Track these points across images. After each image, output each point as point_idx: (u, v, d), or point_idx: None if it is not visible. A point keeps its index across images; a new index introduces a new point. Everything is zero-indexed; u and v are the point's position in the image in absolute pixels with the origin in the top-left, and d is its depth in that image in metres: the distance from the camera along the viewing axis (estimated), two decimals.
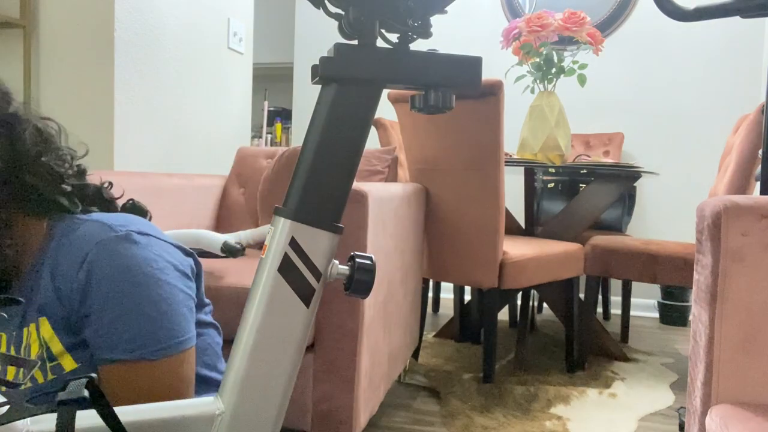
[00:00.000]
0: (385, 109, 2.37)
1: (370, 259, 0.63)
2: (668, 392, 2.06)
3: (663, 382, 2.16)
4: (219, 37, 2.58)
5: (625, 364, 2.35)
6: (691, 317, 1.19)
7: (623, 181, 2.31)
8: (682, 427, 1.55)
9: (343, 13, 0.63)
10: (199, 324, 0.86)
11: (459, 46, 3.55)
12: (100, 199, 0.88)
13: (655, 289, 3.24)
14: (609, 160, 2.82)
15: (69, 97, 1.98)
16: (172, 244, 0.80)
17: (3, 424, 0.49)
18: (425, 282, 2.32)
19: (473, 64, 0.64)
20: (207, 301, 0.90)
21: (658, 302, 3.19)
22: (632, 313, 3.29)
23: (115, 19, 1.96)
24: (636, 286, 3.15)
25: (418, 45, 0.54)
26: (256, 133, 4.24)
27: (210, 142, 2.54)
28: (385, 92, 2.29)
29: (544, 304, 3.21)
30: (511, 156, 2.31)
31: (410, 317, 1.90)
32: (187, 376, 0.77)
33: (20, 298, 0.67)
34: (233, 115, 2.73)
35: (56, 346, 0.75)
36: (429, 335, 2.63)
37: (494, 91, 1.82)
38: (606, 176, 2.33)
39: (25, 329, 0.76)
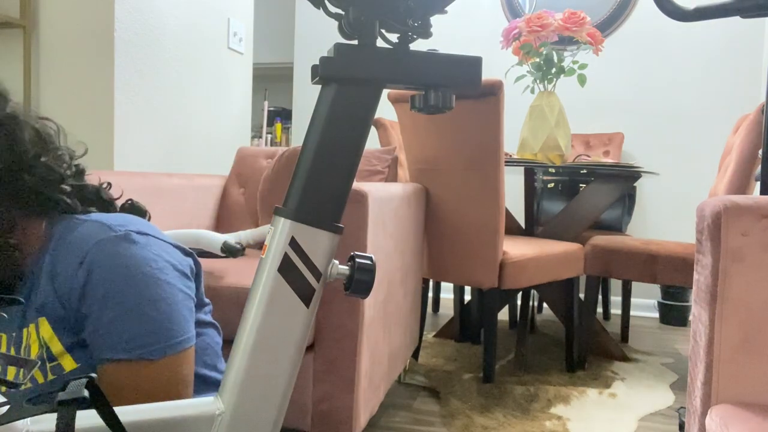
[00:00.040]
0: (385, 109, 2.37)
1: (370, 259, 0.63)
2: (668, 392, 2.06)
3: (663, 382, 2.16)
4: (219, 37, 2.58)
5: (625, 364, 2.34)
6: (691, 317, 1.19)
7: (623, 181, 2.31)
8: (682, 427, 1.55)
9: (343, 13, 0.63)
10: (199, 324, 0.86)
11: (459, 46, 3.55)
12: (99, 199, 0.88)
13: (655, 289, 3.24)
14: (609, 160, 2.82)
15: (69, 97, 1.98)
16: (171, 243, 0.80)
17: (3, 424, 0.49)
18: (425, 282, 2.32)
19: (473, 64, 0.64)
20: (207, 300, 0.90)
21: (658, 302, 3.19)
22: (632, 313, 3.29)
23: (115, 19, 1.96)
24: (636, 286, 3.15)
25: (418, 45, 0.54)
26: (256, 133, 4.24)
27: (210, 142, 2.54)
28: (385, 92, 2.29)
29: (544, 304, 3.21)
30: (511, 156, 2.31)
31: (410, 317, 1.90)
32: (186, 375, 0.77)
33: (20, 299, 0.67)
34: (233, 115, 2.73)
35: (56, 347, 0.75)
36: (429, 335, 2.63)
37: (494, 91, 1.82)
38: (606, 176, 2.33)
39: (24, 329, 0.76)
